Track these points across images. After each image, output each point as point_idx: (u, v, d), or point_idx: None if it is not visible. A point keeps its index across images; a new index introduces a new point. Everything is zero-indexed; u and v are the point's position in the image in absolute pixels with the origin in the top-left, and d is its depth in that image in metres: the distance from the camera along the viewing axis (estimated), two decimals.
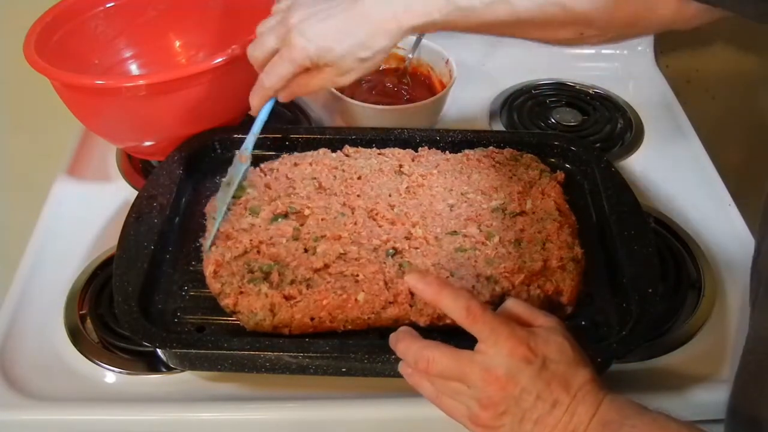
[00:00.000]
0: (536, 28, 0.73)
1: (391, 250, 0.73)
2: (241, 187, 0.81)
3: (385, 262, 0.71)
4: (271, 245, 0.74)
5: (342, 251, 0.72)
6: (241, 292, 0.70)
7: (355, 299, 0.68)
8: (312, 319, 0.68)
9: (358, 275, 0.70)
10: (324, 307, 0.68)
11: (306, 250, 0.73)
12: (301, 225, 0.76)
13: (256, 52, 0.75)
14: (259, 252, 0.74)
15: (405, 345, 0.61)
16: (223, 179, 0.81)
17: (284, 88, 0.75)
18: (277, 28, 0.73)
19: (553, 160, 0.87)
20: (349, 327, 0.69)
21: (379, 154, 0.85)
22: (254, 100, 0.78)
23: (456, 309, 0.58)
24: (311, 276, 0.71)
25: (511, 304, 0.62)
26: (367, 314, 0.68)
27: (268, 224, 0.76)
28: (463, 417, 0.59)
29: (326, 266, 0.71)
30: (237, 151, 0.81)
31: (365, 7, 0.70)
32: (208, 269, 0.72)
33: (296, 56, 0.71)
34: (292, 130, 0.91)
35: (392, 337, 0.63)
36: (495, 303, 0.69)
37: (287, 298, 0.69)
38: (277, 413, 0.71)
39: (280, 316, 0.68)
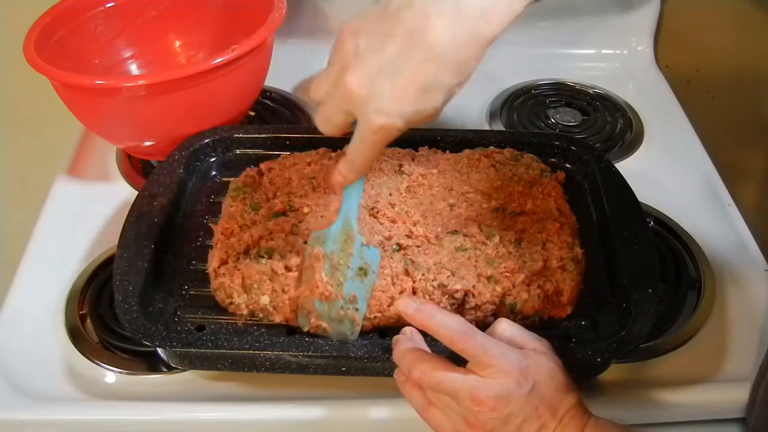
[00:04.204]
0: None
1: (395, 246, 0.73)
2: (237, 188, 0.81)
3: (392, 257, 0.71)
4: (271, 239, 0.74)
5: None
6: (237, 269, 0.71)
7: None
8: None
9: None
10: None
11: (307, 243, 0.73)
12: (300, 222, 0.76)
13: (328, 129, 0.61)
14: (259, 246, 0.74)
15: (400, 353, 0.61)
16: (346, 264, 0.68)
17: None
18: (337, 97, 0.58)
19: (553, 160, 0.87)
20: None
21: None
22: (346, 177, 0.63)
23: (446, 334, 0.58)
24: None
25: (503, 327, 0.62)
26: (374, 313, 0.68)
27: (267, 221, 0.76)
28: None
29: None
30: (356, 237, 0.68)
31: (437, 39, 0.53)
32: (212, 265, 0.72)
33: (384, 137, 0.58)
34: (292, 129, 0.91)
35: (394, 339, 0.63)
36: (495, 303, 0.69)
37: (288, 268, 0.70)
38: (277, 413, 0.71)
39: (280, 292, 0.69)
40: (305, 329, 0.69)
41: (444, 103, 0.57)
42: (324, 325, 0.68)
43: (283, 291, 0.69)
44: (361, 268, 0.69)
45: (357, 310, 0.68)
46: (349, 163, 0.62)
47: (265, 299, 0.69)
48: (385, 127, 0.57)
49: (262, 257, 0.72)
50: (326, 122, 0.61)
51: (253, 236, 0.74)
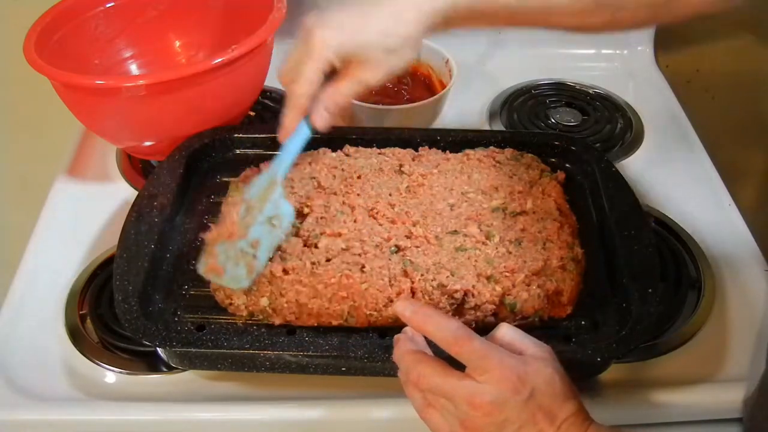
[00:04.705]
0: (568, 14, 0.72)
1: (393, 248, 0.73)
2: (236, 188, 0.81)
3: (390, 259, 0.71)
4: None
5: (344, 246, 0.72)
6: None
7: (359, 287, 0.68)
8: (313, 298, 0.68)
9: (364, 266, 0.70)
10: (330, 285, 0.68)
11: (306, 245, 0.73)
12: (300, 223, 0.76)
13: (283, 68, 0.72)
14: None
15: (400, 353, 0.61)
16: (260, 209, 0.71)
17: (316, 106, 0.72)
18: (299, 40, 0.70)
19: (553, 160, 0.87)
20: (352, 321, 0.69)
21: (379, 153, 0.85)
22: (287, 117, 0.73)
23: (442, 338, 0.58)
24: (316, 260, 0.71)
25: (504, 331, 0.62)
26: (370, 309, 0.68)
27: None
28: None
29: (329, 260, 0.71)
30: (277, 187, 0.72)
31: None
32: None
33: (318, 53, 0.68)
34: None
35: (395, 338, 0.63)
36: (495, 303, 0.69)
37: (286, 271, 0.70)
38: (277, 413, 0.71)
39: (278, 295, 0.69)
40: (201, 272, 0.69)
41: (376, 64, 0.70)
42: (219, 266, 0.68)
43: (281, 294, 0.69)
44: (271, 218, 0.70)
45: (255, 257, 0.68)
46: (288, 94, 0.72)
47: (264, 301, 0.69)
48: (321, 41, 0.68)
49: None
50: (283, 63, 0.72)
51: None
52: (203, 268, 0.69)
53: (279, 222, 0.70)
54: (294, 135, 0.74)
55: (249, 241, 0.68)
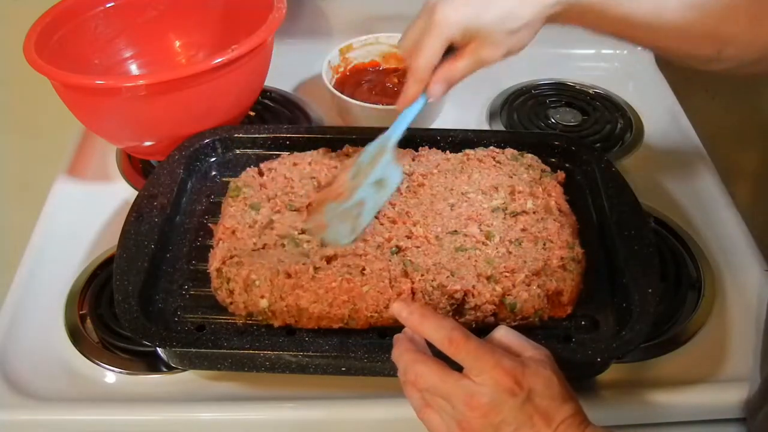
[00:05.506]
0: (675, 35, 0.71)
1: (394, 248, 0.73)
2: (236, 188, 0.81)
3: (390, 260, 0.71)
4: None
5: None
6: (239, 263, 0.71)
7: (360, 290, 0.68)
8: (314, 302, 0.68)
9: (364, 268, 0.70)
10: (330, 290, 0.68)
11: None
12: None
13: (403, 42, 0.73)
14: (263, 247, 0.74)
15: (399, 353, 0.61)
16: (366, 177, 0.74)
17: (434, 77, 0.72)
18: (421, 14, 0.71)
19: (553, 160, 0.87)
20: (353, 324, 0.69)
21: None
22: (409, 88, 0.74)
23: (438, 339, 0.58)
24: (318, 263, 0.71)
25: (501, 333, 0.62)
26: (371, 312, 0.68)
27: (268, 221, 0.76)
28: None
29: (329, 261, 0.71)
30: (387, 152, 0.75)
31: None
32: (213, 265, 0.73)
33: (441, 28, 0.69)
34: (292, 129, 0.91)
35: (395, 338, 0.63)
36: (495, 303, 0.69)
37: (288, 275, 0.70)
38: (277, 413, 0.71)
39: (278, 298, 0.69)
40: (307, 227, 0.73)
41: (496, 44, 0.70)
42: (325, 222, 0.72)
43: (281, 297, 0.69)
44: (379, 181, 0.74)
45: (359, 216, 0.72)
46: (410, 69, 0.72)
47: (264, 303, 0.69)
48: (444, 18, 0.68)
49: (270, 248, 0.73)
50: (403, 36, 0.73)
51: (256, 239, 0.74)
52: (310, 225, 0.73)
53: (386, 183, 0.74)
54: (410, 109, 0.76)
55: (355, 202, 0.72)
